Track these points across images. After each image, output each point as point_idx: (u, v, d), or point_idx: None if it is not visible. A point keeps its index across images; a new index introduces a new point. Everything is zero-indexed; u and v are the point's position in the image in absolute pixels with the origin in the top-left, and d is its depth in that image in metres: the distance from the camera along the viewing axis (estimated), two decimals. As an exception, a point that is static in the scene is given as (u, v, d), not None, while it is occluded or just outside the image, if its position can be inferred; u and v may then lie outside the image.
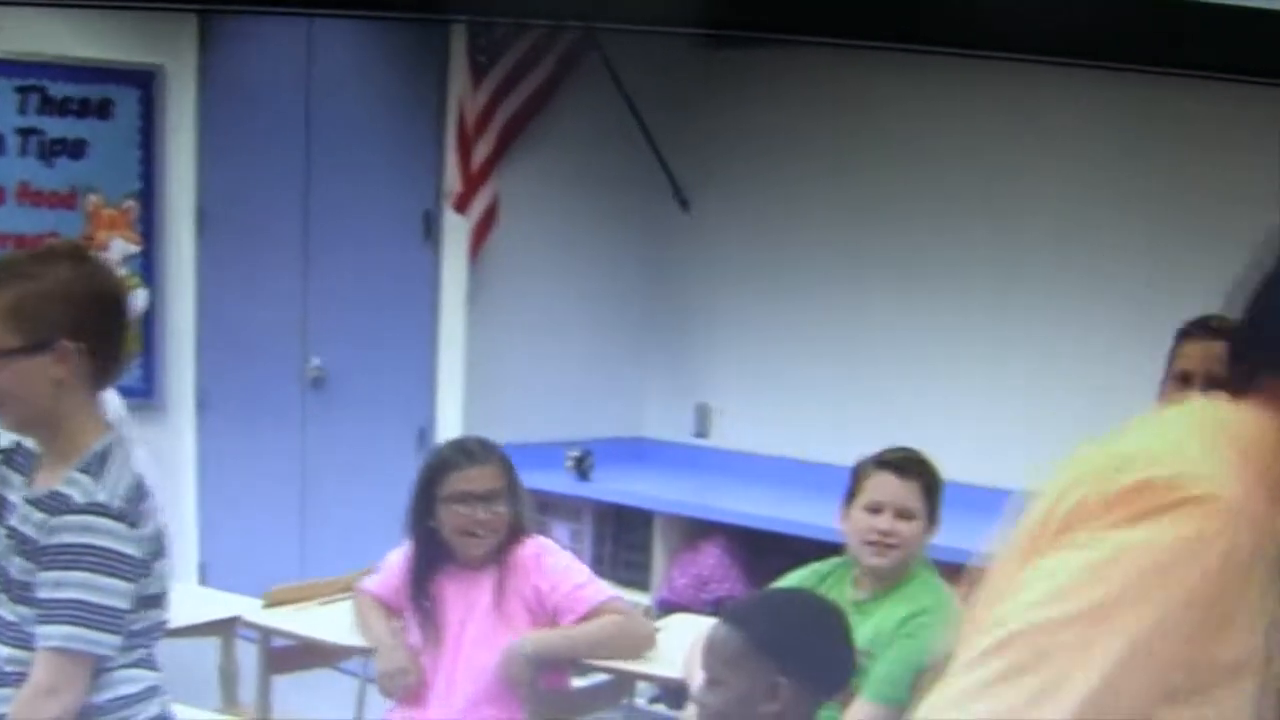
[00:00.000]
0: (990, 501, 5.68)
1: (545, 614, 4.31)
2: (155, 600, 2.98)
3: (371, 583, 4.50)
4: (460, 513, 4.24)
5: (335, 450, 7.12)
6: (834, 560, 4.21)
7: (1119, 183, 6.07)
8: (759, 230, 7.07)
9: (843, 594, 4.09)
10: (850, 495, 4.12)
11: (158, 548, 2.96)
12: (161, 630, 3.05)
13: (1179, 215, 5.90)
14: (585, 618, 4.33)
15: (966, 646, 1.69)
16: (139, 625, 2.94)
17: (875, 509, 4.04)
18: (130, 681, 2.95)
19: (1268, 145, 5.56)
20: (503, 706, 4.26)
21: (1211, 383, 3.72)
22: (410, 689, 4.29)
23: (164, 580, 3.00)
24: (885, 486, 4.05)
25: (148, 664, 3.01)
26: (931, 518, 4.10)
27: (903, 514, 4.03)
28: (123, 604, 2.85)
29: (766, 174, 7.01)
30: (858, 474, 4.13)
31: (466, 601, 4.30)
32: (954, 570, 5.37)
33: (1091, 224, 6.14)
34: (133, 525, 2.86)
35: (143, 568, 2.89)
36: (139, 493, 2.91)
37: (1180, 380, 3.74)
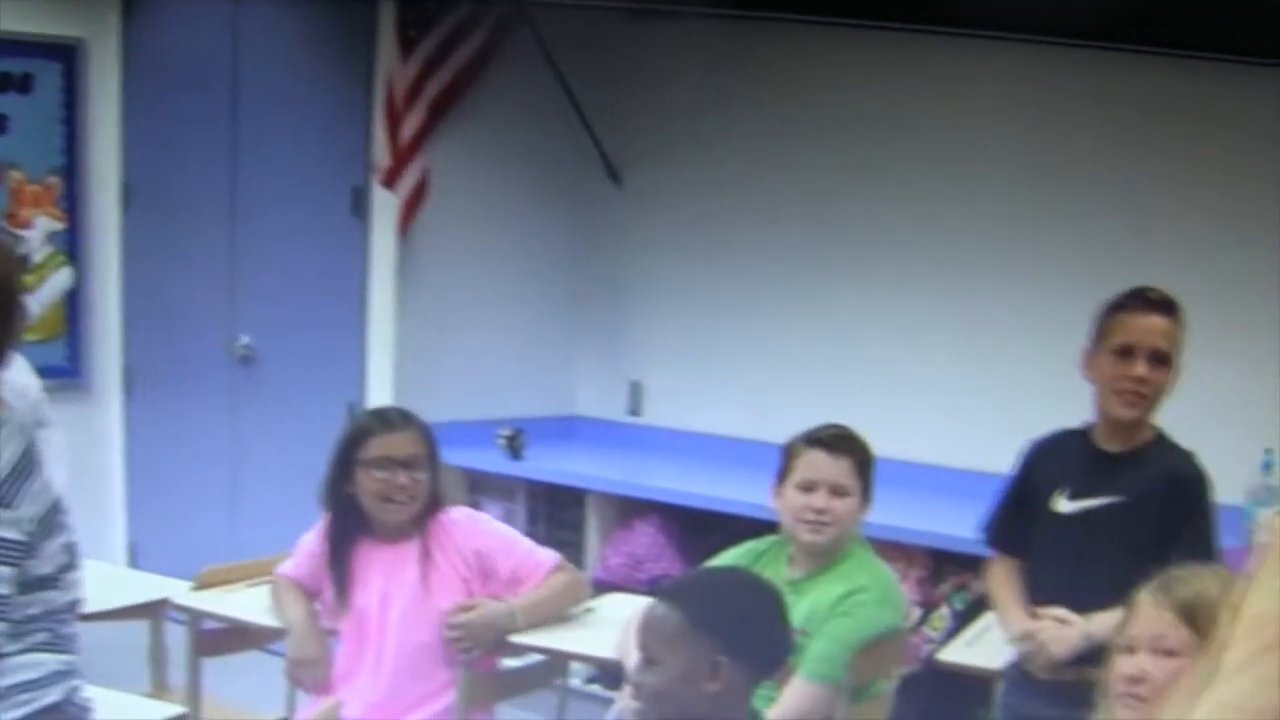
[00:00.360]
0: (922, 478, 5.80)
1: (488, 579, 4.29)
2: (47, 582, 2.92)
3: (287, 566, 4.46)
4: (379, 478, 4.19)
5: (265, 429, 7.09)
6: (769, 539, 4.23)
7: (1045, 157, 6.10)
8: (691, 204, 7.06)
9: (778, 572, 4.10)
10: (782, 474, 4.13)
11: (44, 528, 2.90)
12: (70, 612, 2.99)
13: (1108, 191, 5.96)
14: (545, 579, 4.35)
15: (1237, 647, 1.72)
16: (34, 609, 2.89)
17: (808, 487, 4.05)
18: (29, 667, 2.90)
19: (1238, 123, 5.62)
20: (433, 686, 4.24)
21: (1156, 358, 3.76)
22: (319, 682, 4.25)
23: (59, 560, 2.94)
24: (817, 464, 4.06)
25: (52, 648, 2.95)
26: (865, 494, 4.12)
27: (836, 491, 4.05)
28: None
29: (698, 147, 6.99)
30: (789, 453, 4.14)
31: (389, 574, 4.25)
32: (889, 547, 5.45)
33: (1011, 192, 6.18)
34: (7, 506, 2.81)
35: (22, 550, 2.83)
36: (18, 472, 2.85)
37: (1121, 354, 3.74)
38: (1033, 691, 3.82)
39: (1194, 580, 2.87)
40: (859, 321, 6.60)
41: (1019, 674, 3.88)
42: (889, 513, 5.66)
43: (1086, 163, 5.97)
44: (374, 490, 4.22)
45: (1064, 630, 3.69)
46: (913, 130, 6.40)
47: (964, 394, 6.24)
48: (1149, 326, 3.72)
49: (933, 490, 6.10)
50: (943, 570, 5.63)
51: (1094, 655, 3.55)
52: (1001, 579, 3.99)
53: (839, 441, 4.10)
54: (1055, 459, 3.91)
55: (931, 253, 6.37)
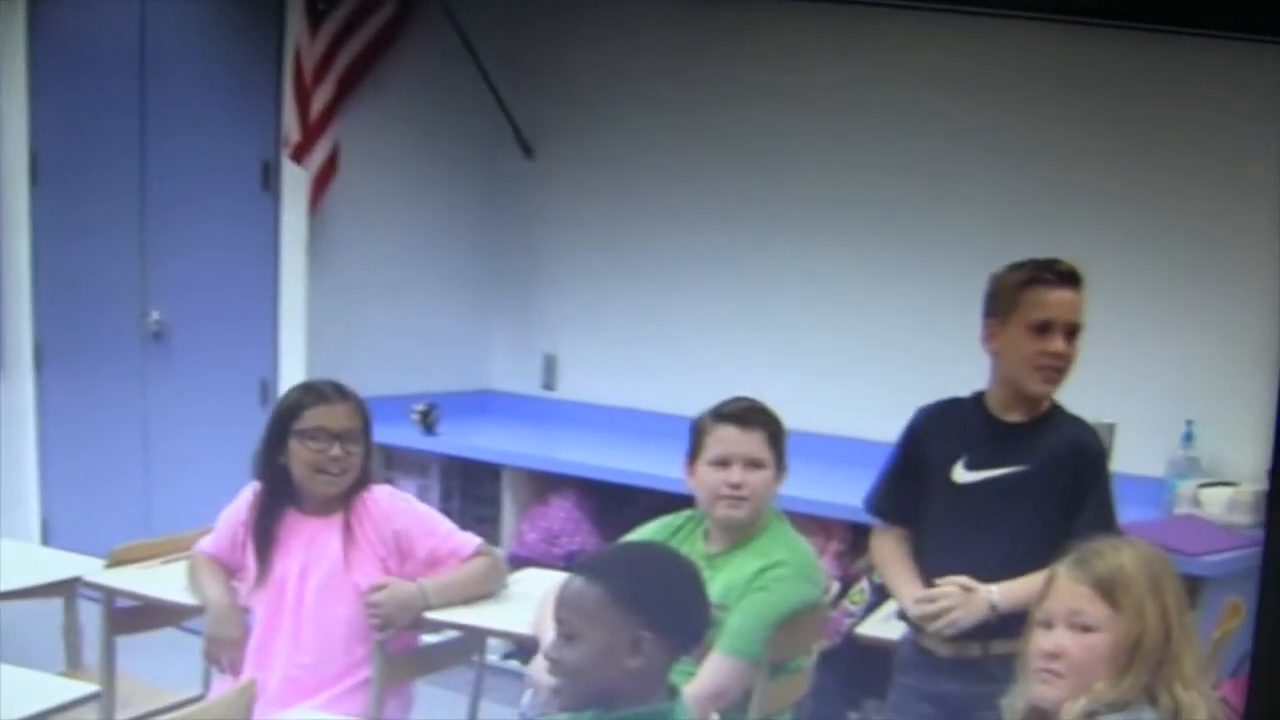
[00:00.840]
0: (841, 451, 5.82)
1: (405, 560, 4.29)
2: None
3: (206, 542, 4.45)
4: (314, 448, 4.19)
5: (177, 405, 7.05)
6: (685, 513, 4.24)
7: (953, 130, 6.15)
8: (604, 176, 7.07)
9: (695, 548, 4.13)
10: (693, 452, 4.13)
11: None
12: None
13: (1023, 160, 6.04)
14: (462, 563, 4.35)
15: None
16: None
17: (722, 463, 4.06)
18: None
19: (1152, 93, 5.68)
20: (350, 661, 4.25)
21: (1071, 332, 3.78)
22: (236, 661, 4.25)
23: None
24: (729, 439, 4.07)
25: None
26: (779, 466, 4.14)
27: (751, 464, 4.06)
28: None
29: (611, 119, 7.01)
30: (698, 430, 4.14)
31: (310, 548, 4.25)
32: (807, 521, 5.48)
33: (926, 164, 6.23)
34: None
35: None
36: None
37: (1039, 330, 3.71)
38: (933, 668, 3.81)
39: (1110, 554, 2.89)
40: (775, 292, 6.64)
41: (916, 651, 3.88)
42: (807, 486, 5.69)
43: (995, 134, 6.03)
44: (307, 461, 4.21)
45: (970, 597, 3.67)
46: (828, 103, 6.43)
47: (882, 365, 6.28)
48: (1064, 301, 3.71)
49: (852, 463, 5.98)
50: (862, 544, 5.49)
51: (997, 628, 3.61)
52: (889, 549, 3.99)
53: (750, 415, 4.11)
54: (949, 428, 3.89)
55: (846, 224, 6.41)
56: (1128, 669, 2.79)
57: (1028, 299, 3.74)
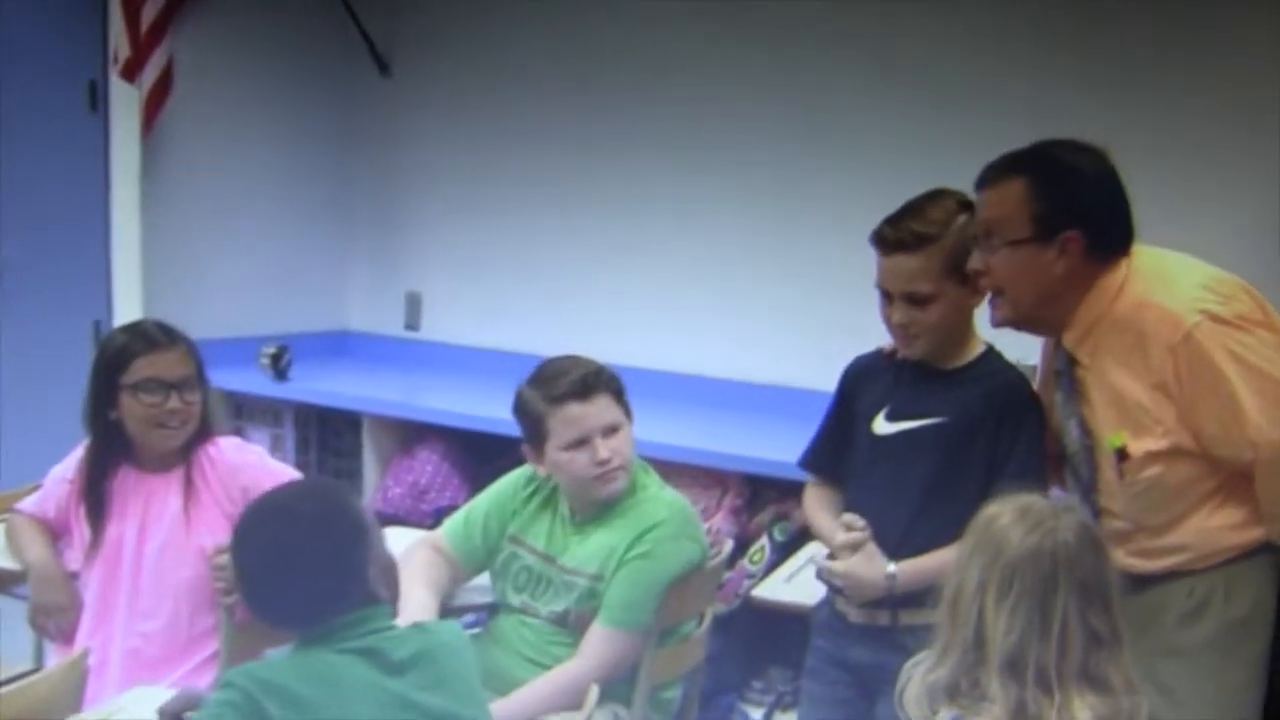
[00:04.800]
0: (727, 395, 5.78)
1: None
2: None
3: (29, 503, 4.37)
4: (149, 402, 4.11)
5: (3, 351, 6.94)
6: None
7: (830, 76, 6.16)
8: (468, 96, 7.03)
9: (558, 512, 4.16)
10: (536, 438, 4.09)
11: None
12: None
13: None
14: None
15: None
16: None
17: (582, 442, 4.04)
18: None
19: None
20: (196, 631, 4.19)
21: (911, 300, 3.76)
22: (66, 630, 4.18)
23: None
24: (578, 417, 4.04)
25: None
26: (629, 415, 4.12)
27: (611, 430, 4.05)
28: None
29: (475, 32, 6.97)
30: (532, 415, 4.10)
31: (148, 507, 4.19)
32: (700, 474, 5.47)
33: (806, 100, 6.22)
34: None
35: None
36: None
37: (882, 296, 3.74)
38: (844, 633, 3.83)
39: (982, 512, 2.94)
40: (656, 223, 6.61)
41: (831, 614, 3.88)
42: (699, 435, 5.74)
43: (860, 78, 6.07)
44: (142, 415, 4.13)
45: (870, 565, 3.68)
46: (716, 11, 6.39)
47: (773, 305, 6.31)
48: (893, 269, 3.68)
49: (747, 409, 6.16)
50: (762, 498, 5.64)
51: (907, 598, 3.62)
52: (816, 506, 3.98)
53: (588, 383, 4.07)
54: (876, 377, 3.89)
55: (732, 149, 6.39)
56: (947, 639, 2.87)
57: (877, 263, 3.74)
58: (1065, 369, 3.54)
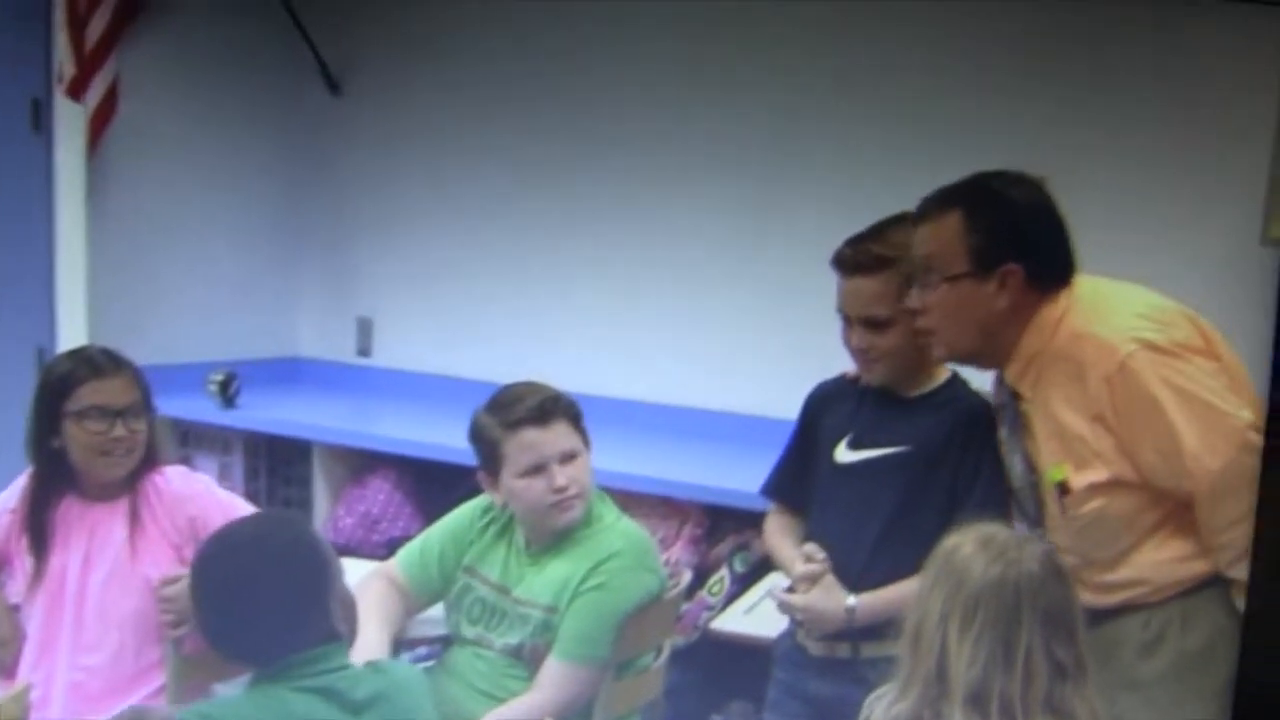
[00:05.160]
0: (687, 423, 5.76)
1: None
2: None
3: None
4: (93, 430, 4.08)
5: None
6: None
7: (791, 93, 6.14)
8: (421, 116, 7.02)
9: (514, 541, 4.15)
10: (491, 464, 4.08)
11: None
12: None
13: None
14: None
15: None
16: None
17: (538, 469, 4.03)
18: None
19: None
20: (142, 664, 4.16)
21: (870, 324, 3.77)
22: (6, 664, 4.14)
23: None
24: (535, 443, 4.04)
25: None
26: (587, 442, 4.12)
27: (569, 457, 4.05)
28: None
29: (427, 51, 6.95)
30: (487, 441, 4.09)
31: (93, 537, 4.15)
32: (658, 503, 5.45)
33: (775, 120, 6.21)
34: None
35: None
36: None
37: (844, 320, 3.76)
38: (805, 665, 3.84)
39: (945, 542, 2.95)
40: (616, 244, 6.61)
41: (792, 646, 3.89)
42: (658, 463, 5.74)
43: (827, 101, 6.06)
44: (87, 444, 4.10)
45: (828, 597, 3.69)
46: (676, 33, 6.38)
47: (737, 330, 6.30)
48: (853, 292, 3.70)
49: (706, 437, 6.15)
50: (721, 528, 5.62)
51: (868, 630, 3.64)
52: (777, 534, 3.99)
53: (545, 408, 4.07)
54: (839, 404, 3.90)
55: (695, 168, 6.37)
56: (910, 672, 2.87)
57: (838, 286, 3.76)
58: (1008, 403, 3.54)
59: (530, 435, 4.01)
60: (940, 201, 3.49)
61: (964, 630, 2.79)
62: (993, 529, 2.93)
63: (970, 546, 2.87)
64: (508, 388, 4.15)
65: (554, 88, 6.66)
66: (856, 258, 3.68)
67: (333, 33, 7.05)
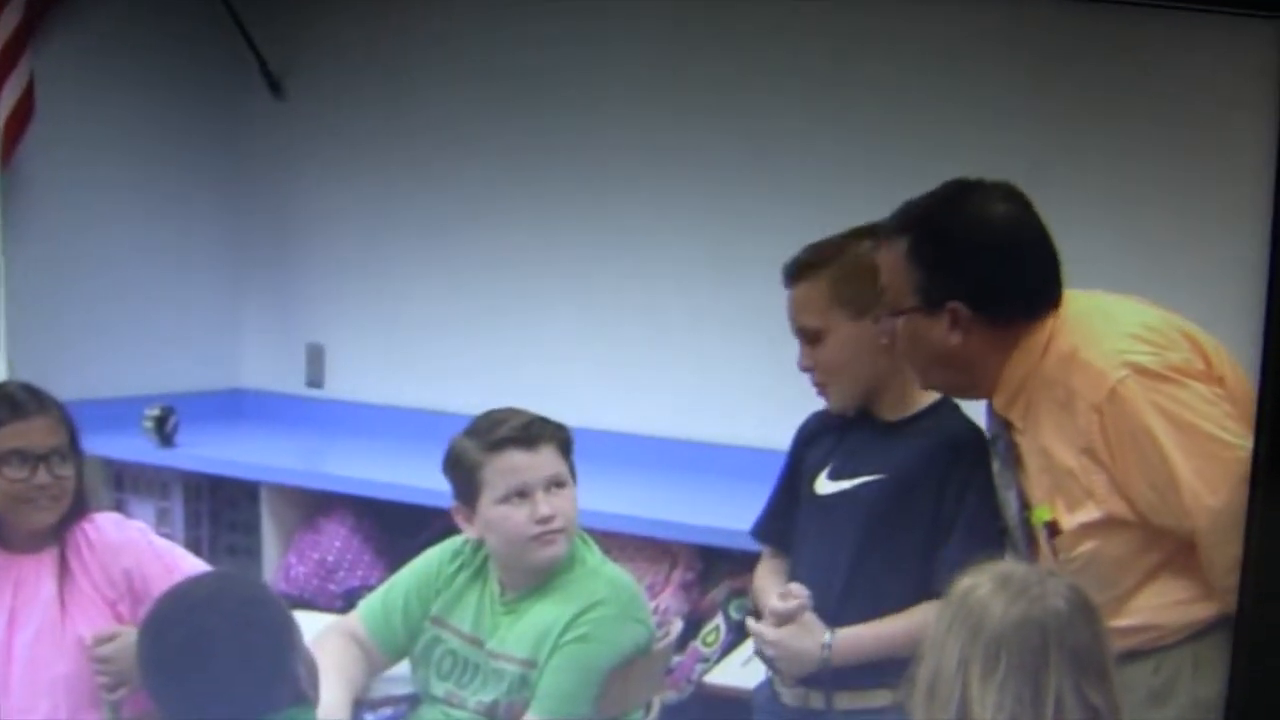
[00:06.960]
0: (673, 456, 5.80)
1: (140, 604, 4.09)
2: None
3: None
4: (14, 477, 4.07)
5: None
6: (471, 539, 4.23)
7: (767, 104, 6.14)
8: (372, 122, 6.97)
9: (487, 588, 4.16)
10: (467, 492, 4.12)
11: None
12: None
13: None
14: None
15: None
16: None
17: (520, 495, 4.05)
18: None
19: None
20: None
21: (806, 336, 3.80)
22: None
23: None
24: (519, 466, 4.07)
25: None
26: (573, 475, 4.14)
27: (555, 484, 4.08)
28: None
29: (376, 47, 6.92)
30: (466, 465, 4.13)
31: (16, 591, 4.13)
32: (646, 546, 5.40)
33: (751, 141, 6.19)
34: None
35: None
36: None
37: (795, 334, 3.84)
38: (778, 715, 3.89)
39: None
40: (588, 264, 6.58)
41: (769, 695, 3.94)
42: (643, 501, 5.79)
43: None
44: (7, 491, 4.09)
45: (803, 633, 3.72)
46: (638, 58, 6.37)
47: (724, 357, 6.26)
48: (788, 303, 3.82)
49: (697, 471, 6.13)
50: (715, 571, 5.63)
51: (843, 677, 3.69)
52: (766, 579, 4.03)
53: (532, 429, 4.11)
54: (824, 435, 3.95)
55: (669, 190, 6.35)
56: None
57: None
58: (1000, 434, 3.55)
59: (514, 458, 4.04)
60: (894, 227, 3.55)
61: (986, 677, 2.79)
62: (1010, 565, 2.98)
63: (987, 586, 2.87)
64: (490, 412, 4.18)
65: (518, 97, 6.64)
66: (788, 268, 3.80)
67: (274, 27, 7.04)
